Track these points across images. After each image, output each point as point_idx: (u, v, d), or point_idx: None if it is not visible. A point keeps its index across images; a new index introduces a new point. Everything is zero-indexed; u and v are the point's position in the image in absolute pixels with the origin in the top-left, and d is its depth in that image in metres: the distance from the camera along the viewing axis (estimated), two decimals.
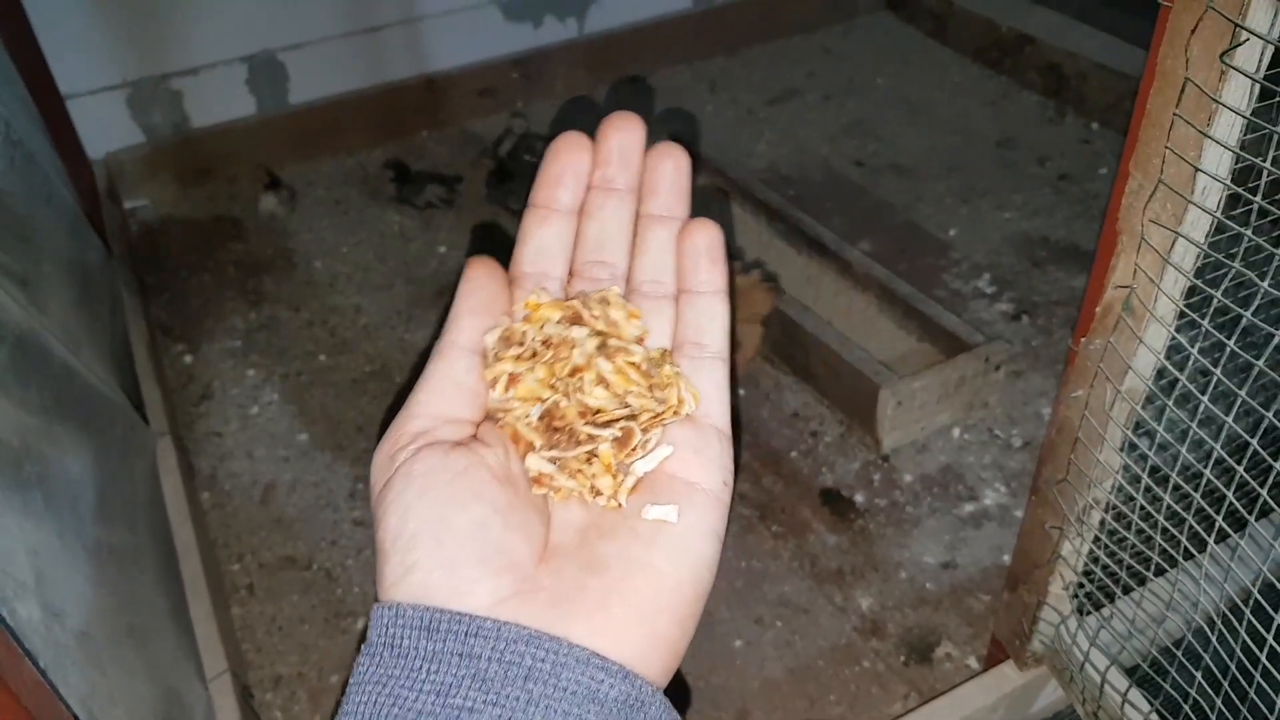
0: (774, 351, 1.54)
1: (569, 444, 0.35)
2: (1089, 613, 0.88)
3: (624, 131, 0.37)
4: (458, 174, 1.95)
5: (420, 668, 0.30)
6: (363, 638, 0.36)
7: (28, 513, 0.79)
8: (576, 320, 0.35)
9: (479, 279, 0.36)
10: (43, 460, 0.88)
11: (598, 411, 0.35)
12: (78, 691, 0.71)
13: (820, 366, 1.44)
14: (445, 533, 0.33)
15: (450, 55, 2.08)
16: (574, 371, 0.35)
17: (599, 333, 0.36)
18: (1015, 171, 1.92)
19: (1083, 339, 0.69)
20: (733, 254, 1.34)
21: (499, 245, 1.80)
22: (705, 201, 1.80)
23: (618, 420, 0.35)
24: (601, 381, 0.35)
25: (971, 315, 1.59)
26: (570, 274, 0.38)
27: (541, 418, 0.36)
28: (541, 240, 0.37)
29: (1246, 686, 0.68)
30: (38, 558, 0.77)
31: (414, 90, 2.07)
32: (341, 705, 0.31)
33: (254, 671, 1.18)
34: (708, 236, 0.36)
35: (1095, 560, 0.82)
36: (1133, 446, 0.71)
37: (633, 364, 0.35)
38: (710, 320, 0.36)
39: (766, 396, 1.49)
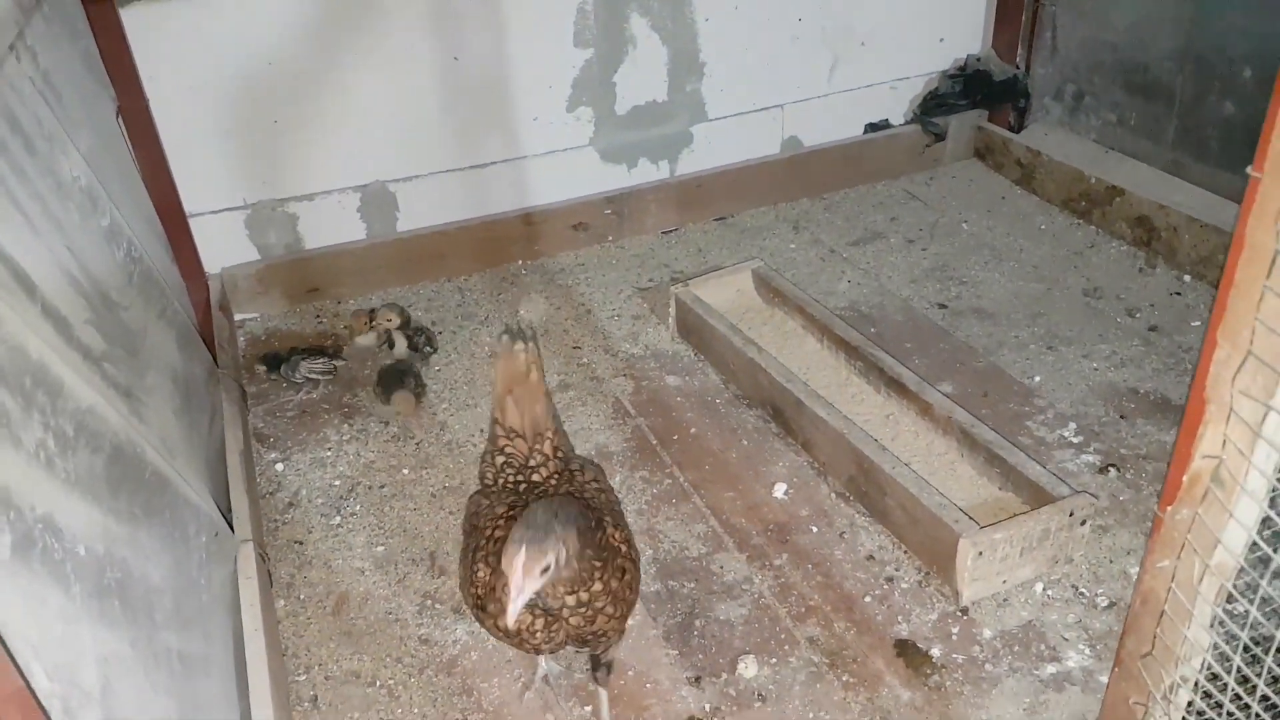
0: (849, 489, 1.52)
1: None
2: None
3: None
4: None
5: None
6: None
7: (103, 620, 0.82)
8: None
9: None
10: (125, 567, 0.91)
11: None
12: None
13: (898, 509, 1.42)
14: None
15: (548, 192, 2.18)
16: None
17: None
18: (1103, 321, 1.90)
19: (1169, 507, 0.67)
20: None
21: None
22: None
23: None
24: None
25: (1056, 465, 1.55)
26: None
27: None
28: None
29: None
30: (107, 666, 0.79)
31: (513, 223, 2.17)
32: None
33: None
34: None
35: None
36: (1223, 623, 0.68)
37: None
38: None
39: (841, 535, 1.46)
